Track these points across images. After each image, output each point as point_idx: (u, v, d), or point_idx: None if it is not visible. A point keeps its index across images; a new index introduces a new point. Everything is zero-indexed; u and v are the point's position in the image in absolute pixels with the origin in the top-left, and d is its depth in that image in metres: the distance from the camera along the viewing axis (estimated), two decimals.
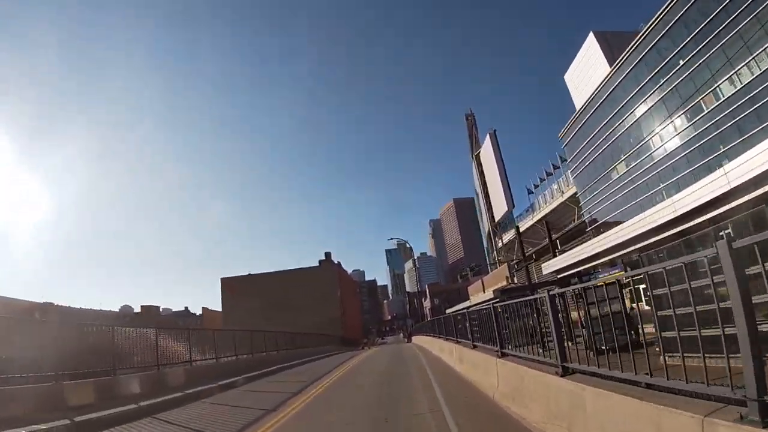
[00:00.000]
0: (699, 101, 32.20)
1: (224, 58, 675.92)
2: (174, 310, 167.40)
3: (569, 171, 52.08)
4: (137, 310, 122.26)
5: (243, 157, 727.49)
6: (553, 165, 62.92)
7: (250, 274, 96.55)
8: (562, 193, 58.30)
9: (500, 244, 77.39)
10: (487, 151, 75.52)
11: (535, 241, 72.47)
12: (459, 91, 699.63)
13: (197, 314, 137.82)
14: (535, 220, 66.98)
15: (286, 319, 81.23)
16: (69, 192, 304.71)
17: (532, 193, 69.46)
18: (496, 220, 74.59)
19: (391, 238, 58.19)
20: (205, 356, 20.76)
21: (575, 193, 50.59)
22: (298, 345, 39.67)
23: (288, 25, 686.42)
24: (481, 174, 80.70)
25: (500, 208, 70.90)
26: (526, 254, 69.03)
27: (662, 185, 36.14)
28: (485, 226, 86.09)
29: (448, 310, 47.68)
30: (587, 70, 46.76)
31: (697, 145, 32.93)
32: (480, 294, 69.35)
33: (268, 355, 28.59)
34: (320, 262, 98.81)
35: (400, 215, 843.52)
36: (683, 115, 33.90)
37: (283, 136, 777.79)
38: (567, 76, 51.60)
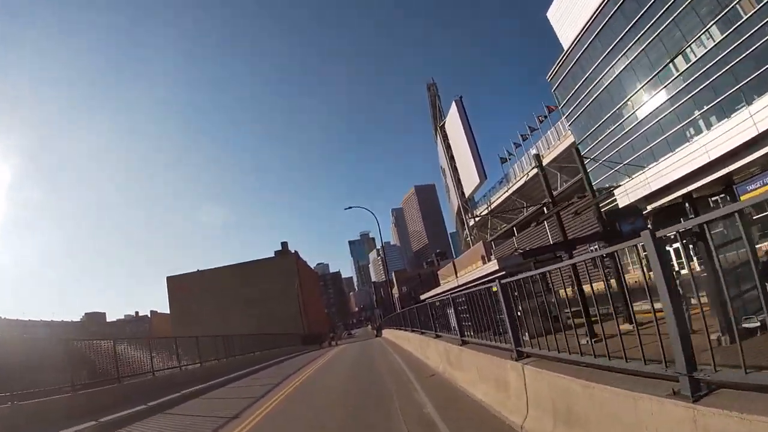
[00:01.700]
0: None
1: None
2: (123, 315, 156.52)
3: (563, 118, 45.03)
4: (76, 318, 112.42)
5: (189, 144, 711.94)
6: (530, 127, 56.46)
7: (198, 271, 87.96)
8: (539, 156, 51.60)
9: (471, 222, 70.81)
10: (453, 120, 68.78)
11: (509, 216, 66.19)
12: (417, 65, 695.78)
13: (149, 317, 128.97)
14: (511, 190, 60.46)
15: (242, 318, 73.74)
16: None
17: (506, 162, 62.91)
18: (466, 195, 68.05)
19: (349, 207, 50.89)
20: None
21: (573, 144, 43.73)
22: (247, 349, 34.49)
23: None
24: (448, 147, 73.99)
25: (471, 181, 64.35)
26: (501, 231, 62.80)
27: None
28: (453, 204, 79.32)
29: (424, 296, 41.04)
30: None
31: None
32: (451, 278, 62.89)
33: (219, 362, 26.02)
34: (276, 252, 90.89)
35: (362, 205, 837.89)
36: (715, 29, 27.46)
37: (234, 120, 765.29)
38: (550, 13, 44.74)
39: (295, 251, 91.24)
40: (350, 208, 41.47)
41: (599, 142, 38.91)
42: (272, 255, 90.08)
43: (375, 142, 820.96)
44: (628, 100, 35.35)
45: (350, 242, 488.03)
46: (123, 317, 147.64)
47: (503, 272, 16.31)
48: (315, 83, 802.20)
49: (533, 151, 55.29)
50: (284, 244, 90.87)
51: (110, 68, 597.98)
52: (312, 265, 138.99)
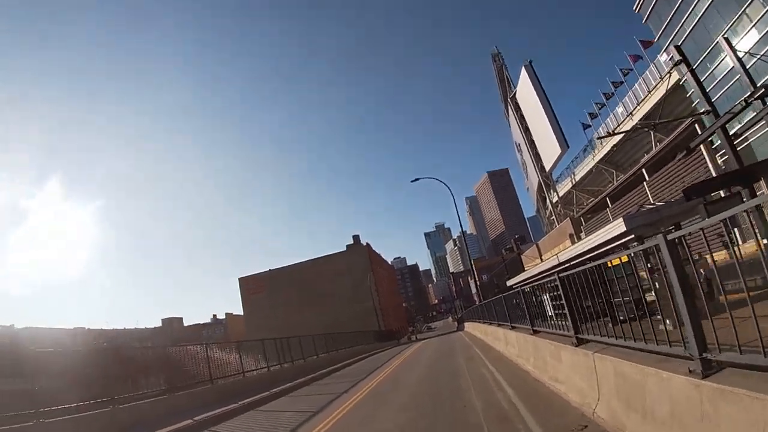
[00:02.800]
0: None
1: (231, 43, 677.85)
2: (200, 319, 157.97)
3: (661, 54, 37.94)
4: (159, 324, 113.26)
5: (258, 140, 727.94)
6: (612, 83, 49.54)
7: (270, 270, 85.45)
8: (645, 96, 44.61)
9: (555, 198, 64.17)
10: (524, 87, 62.25)
11: (596, 189, 59.22)
12: (477, 40, 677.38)
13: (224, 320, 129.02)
14: (597, 158, 53.64)
15: (315, 316, 70.55)
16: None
17: (589, 127, 56.04)
18: (547, 169, 61.45)
19: (416, 179, 43.90)
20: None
21: (678, 81, 36.80)
22: (314, 351, 31.75)
23: None
24: (521, 119, 67.36)
25: (551, 152, 57.72)
26: (587, 206, 56.08)
27: None
28: (532, 181, 72.61)
29: (510, 282, 35.68)
30: None
31: None
32: (536, 261, 57.01)
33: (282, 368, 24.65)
34: (347, 246, 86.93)
35: (434, 198, 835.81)
36: None
37: (302, 123, 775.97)
38: None
39: (367, 243, 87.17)
40: (417, 180, 36.76)
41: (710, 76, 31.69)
42: (344, 249, 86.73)
43: (443, 131, 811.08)
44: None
45: (426, 234, 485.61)
46: (200, 322, 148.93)
47: (630, 236, 11.26)
48: (381, 73, 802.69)
49: (620, 109, 48.54)
50: (356, 237, 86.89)
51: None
52: (389, 260, 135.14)
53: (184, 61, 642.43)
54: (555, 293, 10.23)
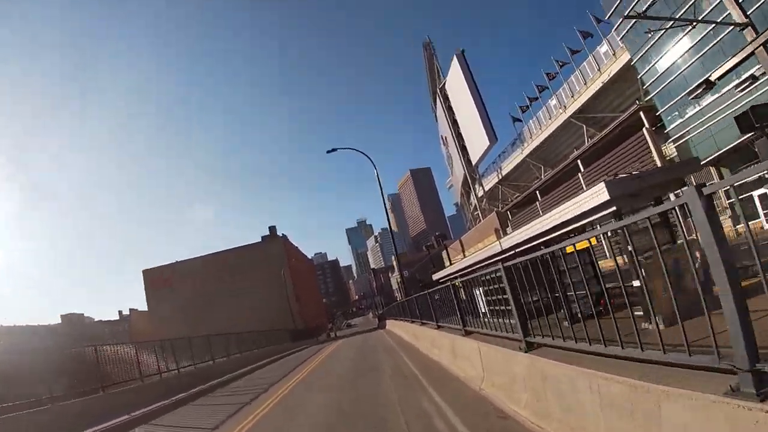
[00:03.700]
0: None
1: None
2: (106, 317, 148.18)
3: (613, 32, 35.64)
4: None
5: (167, 122, 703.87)
6: (547, 75, 48.05)
7: (177, 262, 79.12)
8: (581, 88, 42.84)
9: (480, 193, 62.54)
10: (454, 78, 60.26)
11: (522, 185, 58.00)
12: (409, 28, 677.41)
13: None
14: (527, 151, 52.16)
15: (226, 312, 65.72)
16: None
17: (519, 121, 54.59)
18: (473, 162, 59.78)
19: (332, 150, 38.53)
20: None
21: (628, 62, 34.78)
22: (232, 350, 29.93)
23: None
24: (449, 110, 65.44)
25: (478, 145, 56.09)
26: (515, 200, 54.66)
27: None
28: (457, 175, 70.89)
29: (437, 275, 33.14)
30: None
31: None
32: (459, 257, 55.14)
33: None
34: (263, 237, 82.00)
35: (357, 193, 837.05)
36: None
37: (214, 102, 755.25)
38: None
39: (284, 235, 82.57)
40: (334, 150, 32.79)
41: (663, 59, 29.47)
42: (258, 241, 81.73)
43: (367, 125, 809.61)
44: None
45: (348, 230, 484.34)
46: (104, 318, 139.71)
47: (610, 209, 8.68)
48: (303, 57, 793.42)
49: (553, 102, 47.16)
50: (272, 229, 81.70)
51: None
52: (309, 256, 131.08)
53: None
54: (492, 287, 9.14)
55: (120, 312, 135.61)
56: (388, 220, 29.79)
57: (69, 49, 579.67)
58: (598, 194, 8.83)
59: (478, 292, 10.99)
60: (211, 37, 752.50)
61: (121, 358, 17.67)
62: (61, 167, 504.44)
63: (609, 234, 6.66)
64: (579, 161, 36.00)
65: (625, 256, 8.25)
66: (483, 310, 10.74)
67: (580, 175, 32.92)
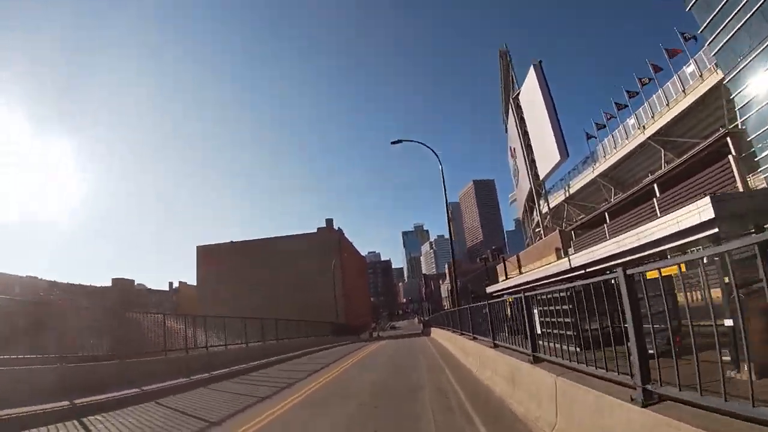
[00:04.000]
0: None
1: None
2: (153, 286, 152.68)
3: (707, 45, 32.96)
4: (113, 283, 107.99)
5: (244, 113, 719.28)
6: (628, 93, 45.71)
7: (232, 242, 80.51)
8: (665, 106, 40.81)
9: (545, 209, 60.28)
10: (529, 88, 58.28)
11: (589, 205, 55.54)
12: (485, 40, 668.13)
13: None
14: (599, 170, 49.87)
15: (272, 296, 66.05)
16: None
17: (593, 138, 52.35)
18: (542, 177, 57.61)
19: (397, 141, 36.66)
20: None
21: (715, 86, 32.58)
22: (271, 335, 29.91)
23: None
24: (521, 122, 63.43)
25: (548, 160, 53.95)
26: (581, 220, 52.36)
27: None
28: (523, 189, 68.70)
29: (492, 288, 31.77)
30: None
31: None
32: (514, 272, 53.29)
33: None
34: (318, 229, 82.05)
35: (417, 197, 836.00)
36: None
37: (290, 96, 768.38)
38: None
39: (339, 228, 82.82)
40: (399, 142, 31.51)
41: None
42: (314, 231, 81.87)
43: (434, 131, 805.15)
44: None
45: (404, 233, 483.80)
46: (152, 287, 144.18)
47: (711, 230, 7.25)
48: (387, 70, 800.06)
49: (631, 121, 44.84)
50: (329, 221, 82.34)
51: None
52: (363, 253, 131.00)
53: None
54: (551, 308, 8.77)
55: (170, 284, 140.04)
56: (449, 221, 28.40)
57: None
58: (699, 211, 7.46)
59: (535, 311, 9.51)
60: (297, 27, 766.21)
61: (168, 328, 18.23)
62: (127, 132, 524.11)
63: (704, 261, 5.15)
64: (655, 185, 33.84)
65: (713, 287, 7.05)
66: (538, 331, 9.09)
67: (655, 200, 30.84)
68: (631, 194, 36.26)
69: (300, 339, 35.95)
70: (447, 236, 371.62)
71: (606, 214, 39.24)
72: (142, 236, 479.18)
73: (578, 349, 6.22)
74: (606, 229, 35.49)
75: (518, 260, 55.05)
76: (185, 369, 16.72)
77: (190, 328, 20.11)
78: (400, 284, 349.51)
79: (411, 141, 31.80)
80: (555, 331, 7.87)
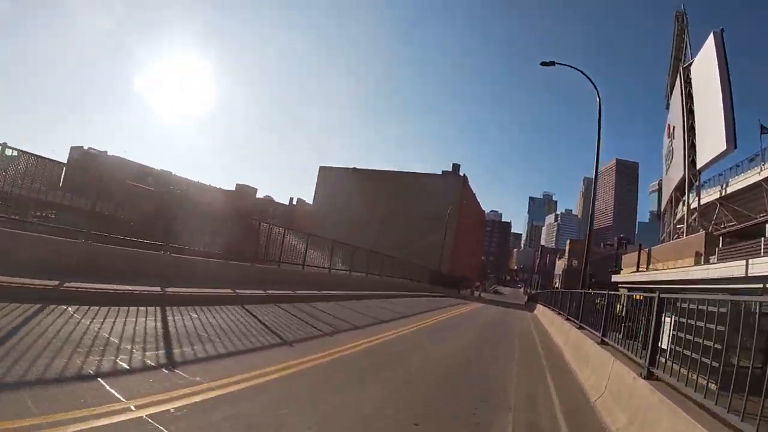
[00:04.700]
0: None
1: None
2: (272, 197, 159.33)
3: None
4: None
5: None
6: None
7: (355, 168, 79.80)
8: None
9: (694, 204, 53.15)
10: (705, 60, 50.56)
11: (744, 213, 47.74)
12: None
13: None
14: (765, 174, 42.40)
15: (382, 229, 65.09)
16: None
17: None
18: (699, 166, 50.58)
19: (549, 63, 30.79)
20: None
21: None
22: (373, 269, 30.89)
23: None
24: (688, 97, 55.71)
25: (712, 147, 46.97)
26: (736, 226, 45.28)
27: None
28: (673, 176, 61.20)
29: (620, 278, 27.67)
30: None
31: None
32: (630, 269, 47.92)
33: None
34: (444, 172, 78.93)
35: (554, 164, 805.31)
36: None
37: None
38: None
39: (465, 175, 78.92)
40: (551, 64, 26.37)
41: None
42: (439, 173, 79.16)
43: (582, 105, 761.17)
44: None
45: (531, 198, 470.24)
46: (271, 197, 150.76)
47: None
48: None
49: None
50: (455, 166, 79.37)
51: None
52: (486, 211, 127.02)
53: None
54: (694, 322, 5.79)
55: (291, 199, 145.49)
56: (596, 175, 23.80)
57: None
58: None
59: (669, 320, 7.19)
60: None
61: (285, 241, 19.20)
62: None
63: None
64: None
65: None
66: (663, 346, 6.90)
67: None
68: None
69: (394, 279, 35.00)
70: (575, 212, 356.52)
71: (767, 225, 33.13)
72: (271, 149, 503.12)
73: (713, 385, 4.71)
74: (763, 242, 29.72)
75: (648, 255, 49.38)
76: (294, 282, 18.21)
77: (303, 244, 21.13)
78: (515, 250, 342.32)
79: (567, 66, 26.75)
80: (688, 353, 5.79)
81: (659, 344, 6.83)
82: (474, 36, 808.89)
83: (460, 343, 14.05)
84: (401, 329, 13.94)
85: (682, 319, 6.54)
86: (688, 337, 6.00)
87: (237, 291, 12.73)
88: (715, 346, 4.92)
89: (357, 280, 26.30)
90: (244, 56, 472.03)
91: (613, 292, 11.50)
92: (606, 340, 10.19)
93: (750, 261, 17.44)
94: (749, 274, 20.50)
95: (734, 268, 23.10)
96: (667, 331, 7.00)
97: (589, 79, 24.91)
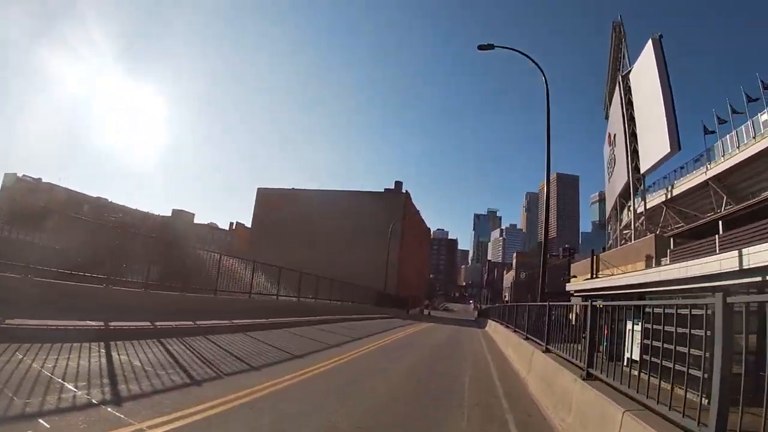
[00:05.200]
0: None
1: None
2: (211, 221, 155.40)
3: None
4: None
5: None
6: (762, 83, 37.84)
7: (293, 189, 76.80)
8: None
9: (641, 209, 52.83)
10: (644, 67, 50.63)
11: (692, 213, 47.56)
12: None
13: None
14: (712, 173, 42.14)
15: (324, 252, 62.22)
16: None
17: (712, 132, 44.48)
18: (643, 170, 50.29)
19: (487, 46, 28.88)
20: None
21: None
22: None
23: None
24: (628, 104, 55.81)
25: (656, 150, 46.65)
26: (673, 229, 44.83)
27: None
28: (616, 183, 61.10)
29: (574, 286, 26.00)
30: None
31: None
32: (587, 275, 46.81)
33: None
34: (386, 189, 76.43)
35: (496, 180, 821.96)
36: None
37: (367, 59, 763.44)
38: None
39: (407, 191, 76.95)
40: (490, 47, 23.16)
41: None
42: (381, 191, 76.55)
43: (523, 120, 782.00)
44: None
45: (476, 215, 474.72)
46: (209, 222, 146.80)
47: None
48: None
49: (763, 117, 37.00)
50: (398, 183, 76.87)
51: None
52: (432, 229, 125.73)
53: None
54: (671, 329, 5.01)
55: (231, 224, 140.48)
56: (548, 163, 21.57)
57: None
58: None
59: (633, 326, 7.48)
60: None
61: (207, 265, 17.91)
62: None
63: None
64: None
65: None
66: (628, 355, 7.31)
67: None
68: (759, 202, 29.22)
69: (334, 303, 32.17)
70: (519, 227, 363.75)
71: (720, 222, 32.23)
72: (208, 174, 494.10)
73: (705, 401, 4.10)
74: (717, 240, 28.64)
75: (595, 263, 48.42)
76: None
77: (249, 271, 20.65)
78: (463, 266, 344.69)
79: (508, 49, 24.29)
80: (669, 364, 4.89)
81: (625, 353, 7.29)
82: (413, 53, 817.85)
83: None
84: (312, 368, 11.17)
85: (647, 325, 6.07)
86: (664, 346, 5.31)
87: (156, 324, 11.57)
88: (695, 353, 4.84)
89: (305, 306, 25.34)
90: (181, 76, 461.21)
91: (560, 303, 11.84)
92: (550, 348, 10.90)
93: (745, 250, 15.52)
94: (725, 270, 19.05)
95: (708, 265, 21.91)
96: (638, 340, 6.80)
97: (532, 60, 23.17)
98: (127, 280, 13.46)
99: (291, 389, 7.65)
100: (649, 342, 5.71)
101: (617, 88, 60.81)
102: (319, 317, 24.30)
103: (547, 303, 12.49)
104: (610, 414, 5.15)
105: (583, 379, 6.85)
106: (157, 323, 11.55)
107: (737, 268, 14.11)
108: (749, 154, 37.55)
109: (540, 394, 9.23)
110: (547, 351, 11.09)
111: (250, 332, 14.65)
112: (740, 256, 13.87)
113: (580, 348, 8.21)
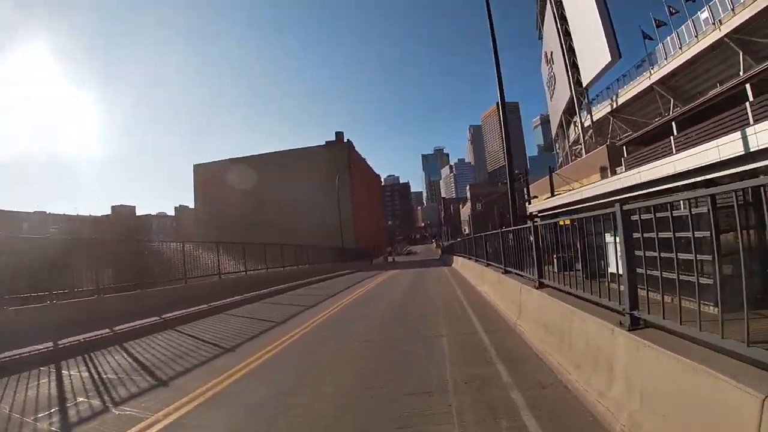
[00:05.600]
0: None
1: None
2: (153, 211, 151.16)
3: None
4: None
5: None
6: None
7: (230, 159, 72.84)
8: None
9: (588, 123, 52.48)
10: None
11: (640, 120, 47.32)
12: None
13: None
14: (656, 77, 41.69)
15: (275, 218, 60.11)
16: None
17: (650, 39, 43.81)
18: (585, 82, 49.64)
19: None
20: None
21: None
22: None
23: None
24: (561, 19, 54.69)
25: (596, 61, 45.94)
26: (621, 139, 44.61)
27: None
28: (559, 101, 60.51)
29: (536, 207, 24.86)
30: None
31: None
32: (545, 195, 46.39)
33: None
34: (327, 142, 72.84)
35: (438, 119, 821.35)
36: None
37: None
38: None
39: (349, 140, 74.10)
40: None
41: None
42: (322, 144, 72.99)
43: (458, 52, 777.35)
44: None
45: (423, 156, 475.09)
46: (152, 212, 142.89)
47: None
48: None
49: (703, 15, 36.32)
50: (339, 134, 73.30)
51: None
52: (382, 177, 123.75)
53: None
54: (664, 234, 4.62)
55: (176, 208, 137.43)
56: (500, 83, 19.88)
57: None
58: None
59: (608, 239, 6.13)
60: None
61: (165, 256, 17.51)
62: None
63: None
64: (748, 87, 26.13)
65: None
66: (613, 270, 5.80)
67: (748, 105, 23.19)
68: (714, 96, 28.62)
69: (302, 267, 31.87)
70: (467, 160, 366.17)
71: (673, 124, 31.72)
72: (142, 161, 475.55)
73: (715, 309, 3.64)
74: (672, 141, 28.09)
75: (551, 181, 48.10)
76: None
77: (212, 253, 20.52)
78: (419, 208, 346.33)
79: None
80: (668, 275, 4.39)
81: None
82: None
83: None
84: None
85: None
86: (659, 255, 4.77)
87: (115, 329, 10.89)
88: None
89: (272, 276, 25.54)
90: (93, 63, 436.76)
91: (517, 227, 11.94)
92: (509, 269, 12.09)
93: (749, 129, 14.49)
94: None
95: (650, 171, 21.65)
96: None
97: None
98: (77, 290, 12.56)
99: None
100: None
101: (549, 4, 59.42)
102: (286, 284, 24.13)
103: (482, 235, 14.91)
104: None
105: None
106: (116, 328, 10.90)
107: (741, 152, 13.50)
108: (693, 53, 37.10)
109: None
110: (505, 273, 12.36)
111: (229, 311, 15.03)
112: (744, 137, 13.04)
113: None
